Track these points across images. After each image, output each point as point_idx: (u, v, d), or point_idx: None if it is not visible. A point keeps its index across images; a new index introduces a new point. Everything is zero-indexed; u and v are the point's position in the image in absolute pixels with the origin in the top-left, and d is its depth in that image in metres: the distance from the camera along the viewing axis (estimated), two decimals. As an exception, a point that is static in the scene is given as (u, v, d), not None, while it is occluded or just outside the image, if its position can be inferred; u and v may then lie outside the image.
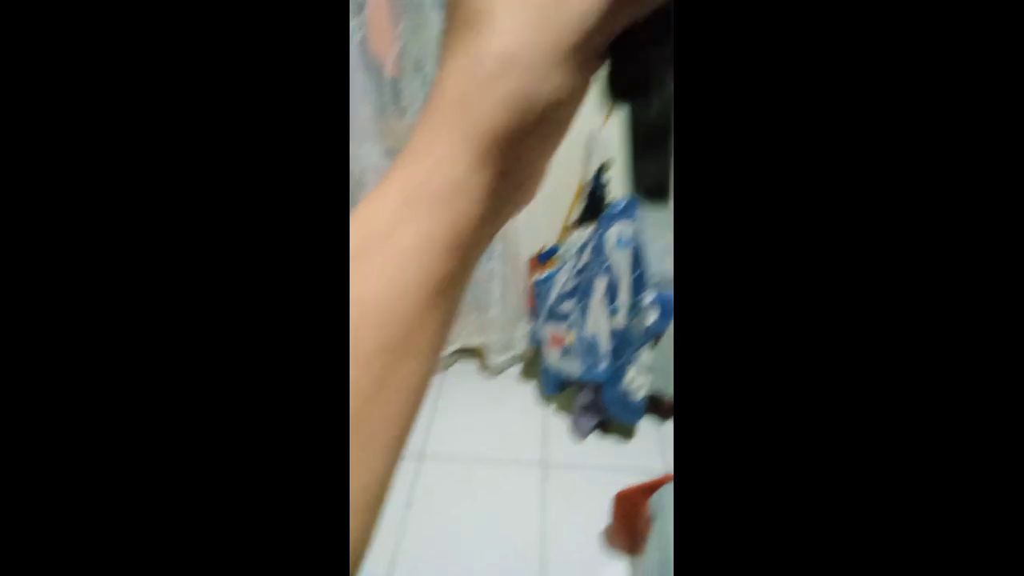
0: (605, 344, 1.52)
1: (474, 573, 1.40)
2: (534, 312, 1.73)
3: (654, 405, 1.74)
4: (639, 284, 1.49)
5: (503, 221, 0.21)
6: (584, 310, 1.53)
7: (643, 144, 0.23)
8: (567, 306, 1.58)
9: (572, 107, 0.20)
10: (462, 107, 0.18)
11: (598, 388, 1.60)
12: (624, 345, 1.52)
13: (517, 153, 0.19)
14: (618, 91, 0.21)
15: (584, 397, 1.66)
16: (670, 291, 1.60)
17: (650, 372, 1.59)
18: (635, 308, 1.50)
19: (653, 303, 1.54)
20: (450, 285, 0.20)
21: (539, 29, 0.17)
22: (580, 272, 1.54)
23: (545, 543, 1.45)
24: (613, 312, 1.50)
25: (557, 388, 1.72)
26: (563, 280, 1.60)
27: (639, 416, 1.65)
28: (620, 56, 0.21)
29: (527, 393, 1.90)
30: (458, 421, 1.81)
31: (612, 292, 1.48)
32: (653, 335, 1.57)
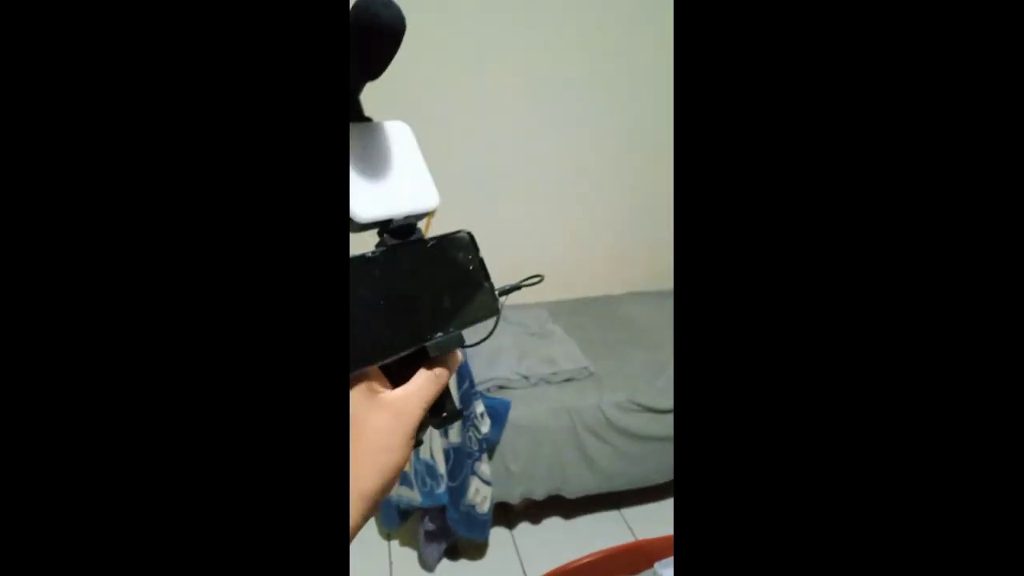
0: (442, 465, 1.49)
1: None
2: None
3: (501, 514, 1.73)
4: (468, 397, 1.52)
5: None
6: (417, 432, 1.50)
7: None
8: (400, 430, 1.53)
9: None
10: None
11: (441, 511, 1.54)
12: (461, 461, 1.52)
13: (385, 495, 0.34)
14: (446, 420, 0.39)
15: (428, 524, 1.59)
16: (498, 397, 1.67)
17: (491, 482, 1.60)
18: (467, 422, 1.52)
19: (484, 413, 1.58)
20: None
21: (392, 427, 0.34)
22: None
23: None
24: (446, 430, 1.50)
25: (399, 520, 1.62)
26: (393, 403, 1.57)
27: (487, 530, 1.62)
28: (440, 400, 0.38)
29: (368, 531, 1.75)
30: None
31: (443, 409, 1.49)
32: (488, 445, 1.60)
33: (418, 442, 0.37)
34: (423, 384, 0.35)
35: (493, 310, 0.41)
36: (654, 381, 1.75)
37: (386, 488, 0.33)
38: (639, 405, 1.69)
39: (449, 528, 1.56)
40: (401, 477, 1.52)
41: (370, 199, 0.35)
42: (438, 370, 0.37)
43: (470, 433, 1.53)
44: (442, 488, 1.50)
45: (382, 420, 0.33)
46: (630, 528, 1.76)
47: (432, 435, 1.49)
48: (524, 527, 1.78)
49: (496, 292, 0.41)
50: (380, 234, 0.37)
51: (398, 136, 0.39)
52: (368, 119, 0.38)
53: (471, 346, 0.45)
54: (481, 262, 0.41)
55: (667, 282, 2.50)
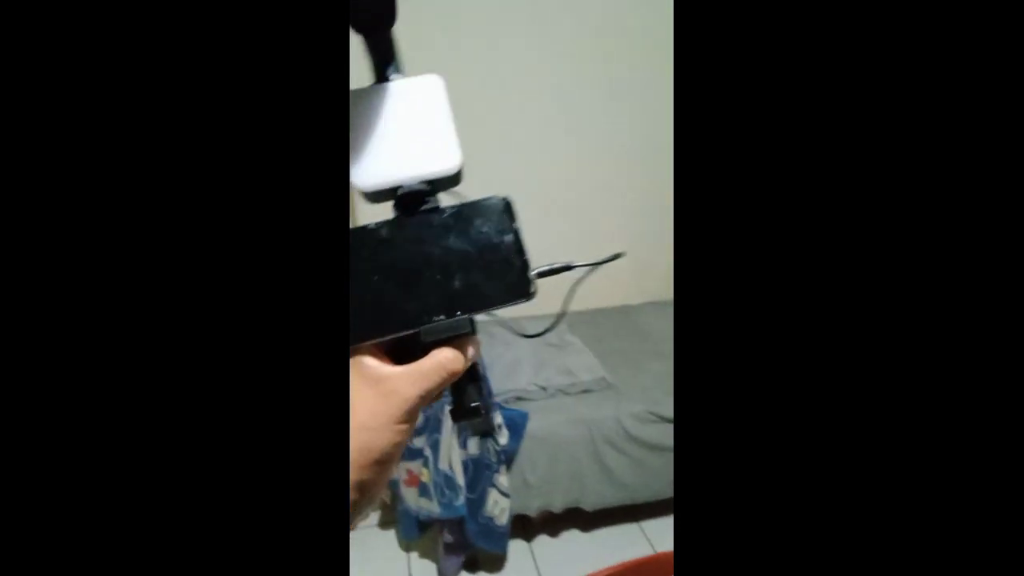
0: (460, 476, 1.50)
1: None
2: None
3: (519, 526, 1.72)
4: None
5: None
6: (436, 444, 1.51)
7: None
8: (419, 442, 1.55)
9: (402, 449, 0.32)
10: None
11: (460, 523, 1.55)
12: (480, 473, 1.52)
13: (372, 482, 0.31)
14: (458, 416, 0.35)
15: (447, 536, 1.59)
16: (516, 408, 1.67)
17: (509, 494, 1.59)
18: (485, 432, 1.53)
19: (502, 424, 1.58)
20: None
21: (376, 406, 0.31)
22: (428, 405, 1.53)
23: None
24: (464, 441, 1.50)
25: (418, 531, 1.63)
26: (412, 415, 1.58)
27: (506, 542, 1.62)
28: (455, 392, 0.34)
29: (388, 543, 1.76)
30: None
31: (461, 421, 1.50)
32: (506, 456, 1.60)
33: (484, 433, 0.35)
34: (425, 369, 0.31)
35: (521, 292, 0.33)
36: (673, 391, 1.73)
37: (366, 469, 0.29)
38: (658, 416, 1.68)
39: (468, 540, 1.56)
40: (420, 488, 1.53)
41: (374, 164, 0.32)
42: (446, 355, 0.32)
43: (488, 444, 1.53)
44: (461, 500, 1.50)
45: (366, 396, 0.30)
46: (649, 541, 1.74)
47: (451, 446, 1.50)
48: (543, 539, 1.77)
49: (531, 272, 0.33)
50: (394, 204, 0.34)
51: (423, 92, 0.34)
52: (386, 78, 0.34)
53: (532, 336, 0.42)
54: (516, 235, 0.34)
55: (685, 292, 2.47)
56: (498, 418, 1.57)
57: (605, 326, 2.22)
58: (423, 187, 0.33)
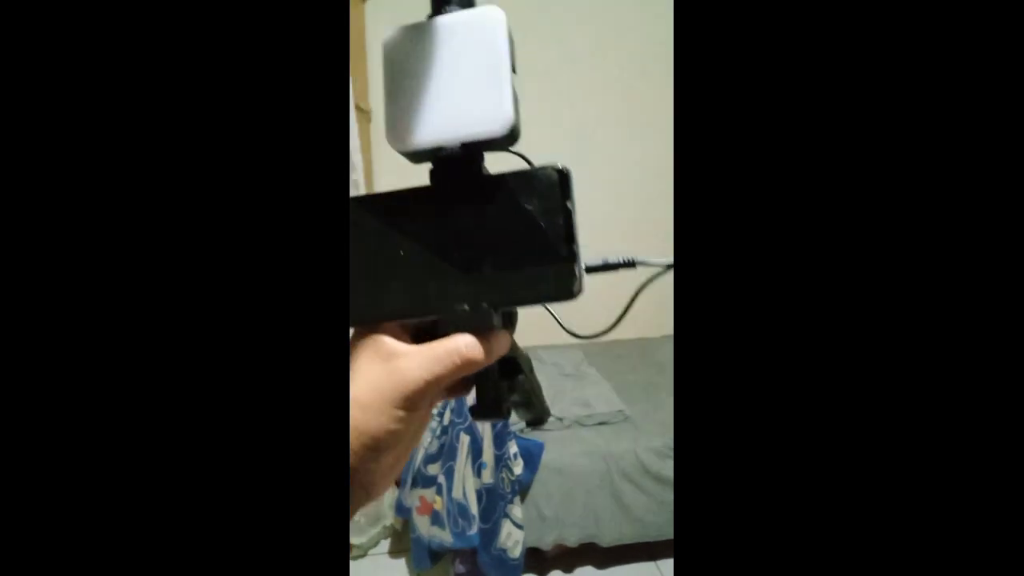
0: (474, 505, 1.48)
1: None
2: (399, 478, 1.66)
3: (532, 560, 1.68)
4: (501, 437, 1.52)
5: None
6: (450, 472, 1.50)
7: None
8: (433, 469, 1.54)
9: (405, 440, 0.29)
10: None
11: (473, 554, 1.52)
12: (493, 503, 1.50)
13: (360, 468, 0.28)
14: (476, 414, 0.31)
15: (459, 566, 1.56)
16: (532, 438, 1.65)
17: (523, 526, 1.57)
18: (500, 462, 1.51)
19: (517, 454, 1.57)
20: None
21: (378, 383, 0.28)
22: (443, 432, 1.54)
23: None
24: (479, 470, 1.49)
25: (430, 561, 1.60)
26: (427, 441, 1.58)
27: (519, 575, 1.59)
28: (479, 388, 0.31)
29: (399, 572, 1.73)
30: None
31: (476, 449, 1.49)
32: (520, 487, 1.58)
33: (535, 422, 0.33)
34: (438, 352, 0.27)
35: (563, 290, 0.27)
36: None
37: (355, 453, 0.27)
38: (676, 451, 1.64)
39: (480, 572, 1.53)
40: (433, 517, 1.52)
41: (410, 121, 0.28)
42: (464, 340, 0.28)
43: (503, 474, 1.52)
44: (474, 529, 1.48)
45: (373, 373, 0.28)
46: (667, 582, 1.69)
47: (466, 475, 1.49)
48: (556, 575, 1.73)
49: (579, 266, 0.27)
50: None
51: (478, 30, 0.27)
52: (442, 10, 0.28)
53: (587, 338, 0.35)
54: (566, 217, 0.27)
55: (705, 326, 2.44)
56: (513, 447, 1.56)
57: (623, 358, 2.20)
58: (459, 151, 0.28)
